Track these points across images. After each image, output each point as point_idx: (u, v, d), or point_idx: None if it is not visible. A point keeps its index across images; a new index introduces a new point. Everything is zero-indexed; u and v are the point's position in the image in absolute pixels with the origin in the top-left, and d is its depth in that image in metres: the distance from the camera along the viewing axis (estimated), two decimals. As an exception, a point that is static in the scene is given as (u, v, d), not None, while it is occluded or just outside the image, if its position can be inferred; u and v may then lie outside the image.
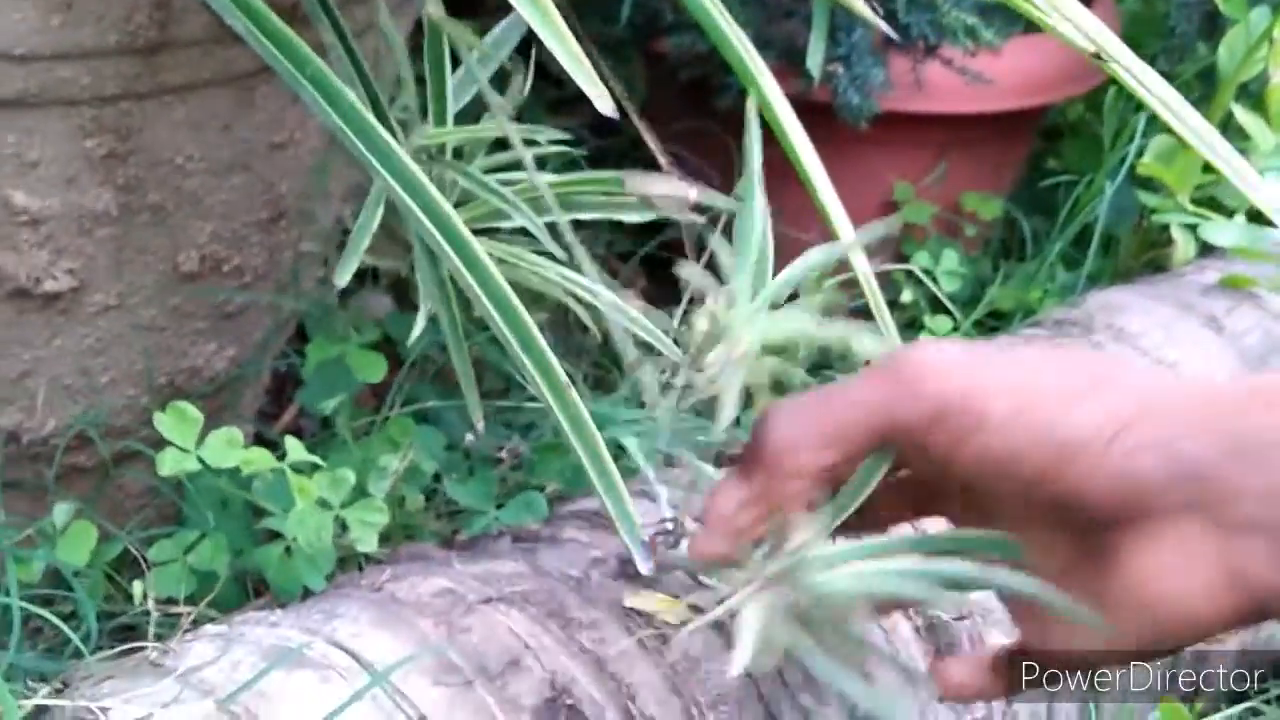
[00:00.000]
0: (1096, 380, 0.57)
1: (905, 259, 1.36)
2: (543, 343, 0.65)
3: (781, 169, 0.91)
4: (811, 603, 0.59)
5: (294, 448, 0.85)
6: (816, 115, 1.25)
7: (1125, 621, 0.58)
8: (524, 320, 0.65)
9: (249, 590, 0.87)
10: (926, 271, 1.35)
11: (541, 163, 0.92)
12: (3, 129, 0.77)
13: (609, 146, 1.27)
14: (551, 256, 0.90)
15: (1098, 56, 0.55)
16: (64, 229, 0.81)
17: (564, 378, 0.63)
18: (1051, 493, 0.57)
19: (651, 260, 1.30)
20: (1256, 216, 1.14)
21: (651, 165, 1.03)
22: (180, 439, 0.84)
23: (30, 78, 0.76)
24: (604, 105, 0.53)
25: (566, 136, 0.91)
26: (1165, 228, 1.22)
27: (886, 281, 1.34)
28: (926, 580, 0.60)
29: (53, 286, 0.82)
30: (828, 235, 0.95)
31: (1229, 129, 1.21)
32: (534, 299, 0.89)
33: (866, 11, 0.60)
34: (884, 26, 0.61)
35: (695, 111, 1.30)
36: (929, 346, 0.59)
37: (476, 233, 0.89)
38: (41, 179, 0.80)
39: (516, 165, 0.92)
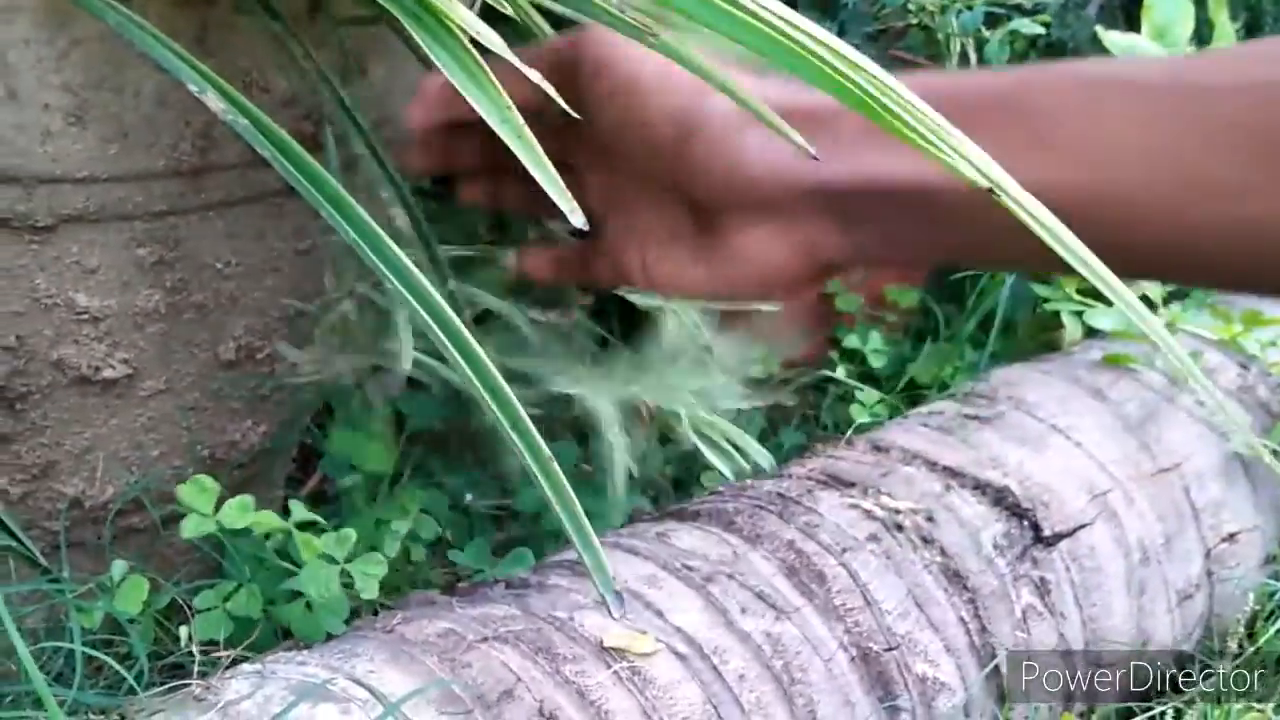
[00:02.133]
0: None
1: (837, 342, 1.36)
2: (530, 425, 0.64)
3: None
4: None
5: (298, 511, 0.85)
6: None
7: (724, 273, 0.65)
8: (512, 403, 0.64)
9: (280, 633, 0.86)
10: (856, 351, 1.35)
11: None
12: (67, 240, 0.77)
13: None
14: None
15: (991, 191, 0.55)
16: (119, 325, 0.81)
17: (547, 452, 0.63)
18: (670, 168, 0.62)
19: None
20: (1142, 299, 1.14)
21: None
22: (200, 507, 0.83)
23: (90, 197, 0.76)
24: (577, 219, 0.53)
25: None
26: (1056, 314, 1.23)
27: (823, 360, 1.34)
28: None
29: (110, 374, 0.82)
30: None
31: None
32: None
33: (794, 135, 0.60)
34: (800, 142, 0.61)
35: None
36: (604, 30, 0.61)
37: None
38: (100, 283, 0.79)
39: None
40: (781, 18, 0.61)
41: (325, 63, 0.80)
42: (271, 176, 0.74)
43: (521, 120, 0.55)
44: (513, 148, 0.55)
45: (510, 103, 0.56)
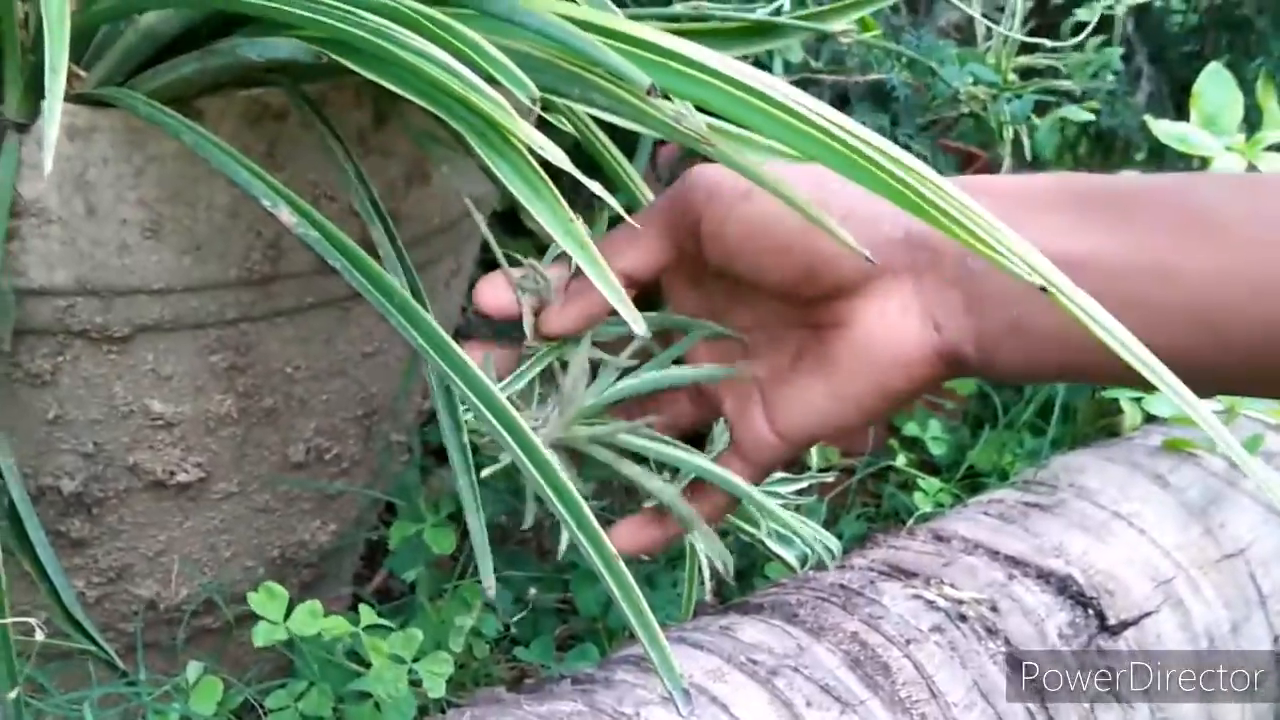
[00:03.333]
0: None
1: (897, 430, 1.37)
2: (594, 523, 0.66)
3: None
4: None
5: (367, 615, 0.86)
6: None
7: (851, 383, 0.63)
8: (579, 502, 0.66)
9: (350, 732, 0.87)
10: (916, 439, 1.35)
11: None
12: (144, 349, 0.80)
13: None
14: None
15: (1044, 289, 0.56)
16: (193, 430, 0.83)
17: (613, 549, 0.64)
18: (802, 253, 0.61)
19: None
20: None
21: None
22: (270, 613, 0.85)
23: (166, 307, 0.79)
24: (639, 329, 0.55)
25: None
26: (1115, 399, 1.23)
27: (883, 449, 1.35)
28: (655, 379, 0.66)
29: (184, 478, 0.84)
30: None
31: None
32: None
33: (848, 238, 0.62)
34: (853, 244, 0.63)
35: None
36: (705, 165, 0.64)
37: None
38: (174, 389, 0.81)
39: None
40: (831, 121, 0.63)
41: (391, 171, 0.83)
42: (339, 283, 0.76)
43: (585, 232, 0.57)
44: (576, 258, 0.57)
45: (572, 215, 0.58)
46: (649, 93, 0.57)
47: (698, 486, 0.70)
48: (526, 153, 0.59)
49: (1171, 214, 0.61)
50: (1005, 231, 0.63)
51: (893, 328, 0.62)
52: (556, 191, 0.59)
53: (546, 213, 0.58)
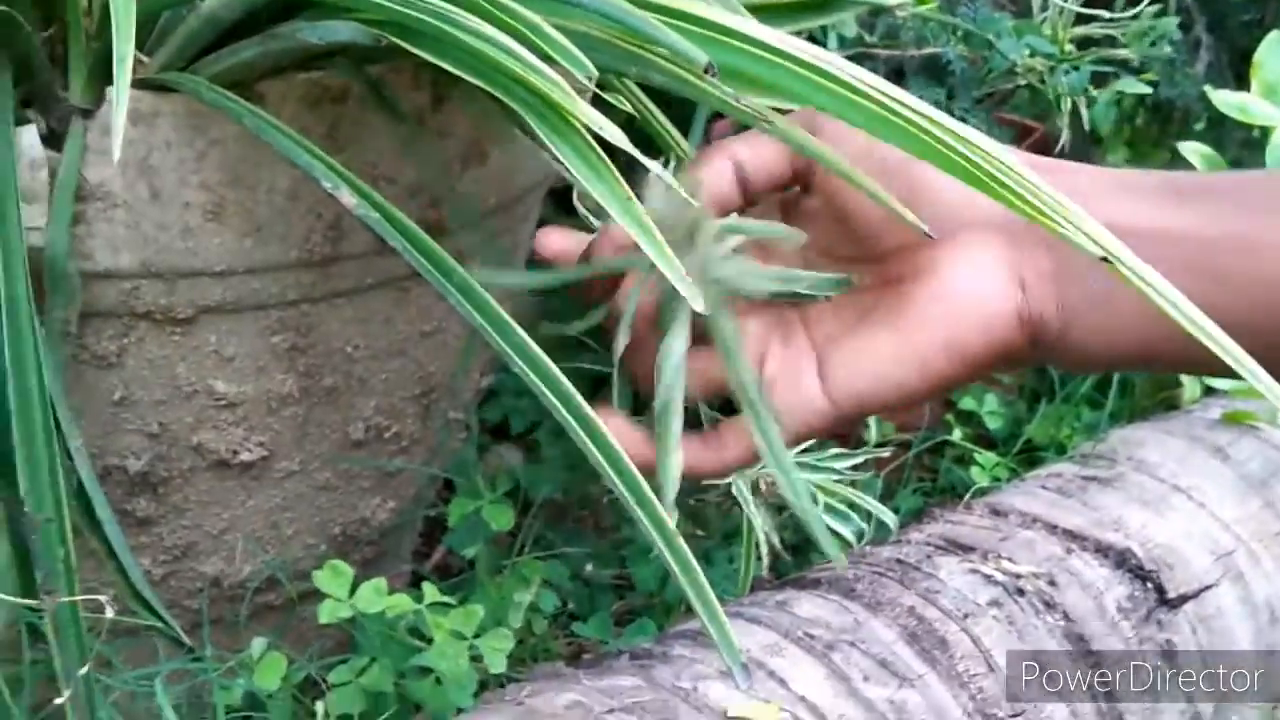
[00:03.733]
0: None
1: (953, 404, 1.37)
2: (652, 497, 0.66)
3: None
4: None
5: (430, 592, 0.87)
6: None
7: (921, 333, 0.59)
8: (637, 479, 0.66)
9: (412, 708, 0.88)
10: (972, 413, 1.35)
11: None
12: (207, 330, 0.81)
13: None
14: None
15: (1105, 259, 0.56)
16: (255, 410, 0.84)
17: (673, 526, 0.65)
18: (905, 179, 0.59)
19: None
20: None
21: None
22: (336, 590, 0.86)
23: (228, 289, 0.80)
24: (698, 305, 0.56)
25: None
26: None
27: (938, 425, 1.35)
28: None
29: (247, 457, 0.85)
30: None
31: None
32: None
33: (907, 213, 0.62)
34: (915, 221, 0.63)
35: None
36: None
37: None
38: (237, 370, 0.83)
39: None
40: (888, 95, 0.63)
41: (449, 151, 0.84)
42: (398, 263, 0.77)
43: (642, 209, 0.57)
44: (635, 237, 0.57)
45: (630, 193, 0.58)
46: (707, 71, 0.57)
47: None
48: (585, 132, 0.59)
49: (1260, 196, 0.61)
50: (1067, 203, 0.63)
51: (980, 279, 0.60)
52: (615, 170, 0.59)
53: (606, 192, 0.58)
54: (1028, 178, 0.64)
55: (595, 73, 0.56)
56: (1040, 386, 1.41)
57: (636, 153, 0.57)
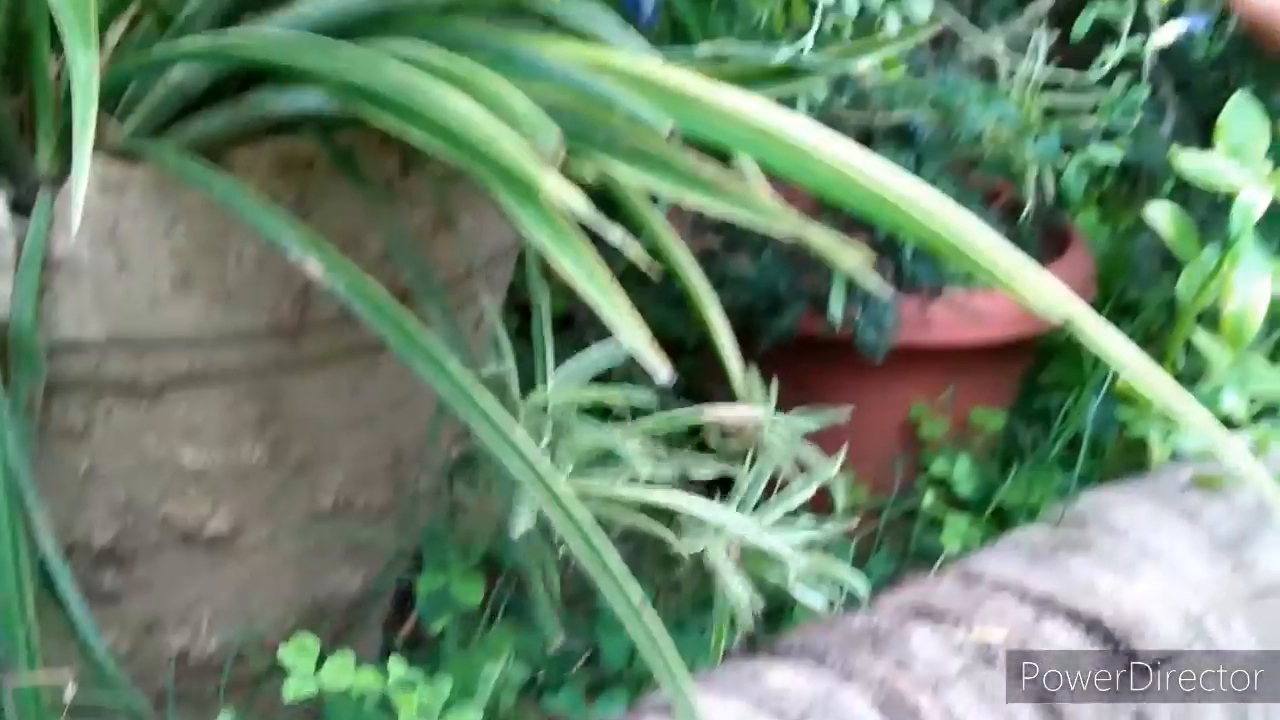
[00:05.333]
0: None
1: (925, 468, 1.36)
2: (618, 567, 0.66)
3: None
4: None
5: (396, 669, 0.86)
6: (841, 351, 1.27)
7: None
8: (602, 548, 0.66)
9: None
10: (944, 478, 1.35)
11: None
12: (176, 400, 0.80)
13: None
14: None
15: (1065, 323, 0.56)
16: (224, 480, 0.84)
17: (639, 596, 0.64)
18: None
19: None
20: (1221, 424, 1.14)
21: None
22: (302, 666, 0.85)
23: (196, 359, 0.79)
24: (663, 374, 0.55)
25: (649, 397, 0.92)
26: (1144, 435, 1.22)
27: (910, 490, 1.34)
28: None
29: (215, 530, 0.84)
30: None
31: (1191, 351, 1.21)
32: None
33: (872, 281, 0.62)
34: (884, 290, 0.63)
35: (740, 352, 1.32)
36: None
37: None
38: (206, 439, 0.82)
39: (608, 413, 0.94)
40: (851, 164, 0.63)
41: (418, 217, 0.84)
42: (367, 331, 0.77)
43: (608, 278, 0.57)
44: (600, 310, 0.57)
45: (598, 261, 0.58)
46: (669, 137, 0.58)
47: None
48: (551, 201, 0.59)
49: None
50: (1027, 266, 0.63)
51: None
52: (582, 239, 0.59)
53: (572, 263, 0.58)
54: (986, 244, 0.64)
55: (562, 140, 0.56)
56: (1012, 450, 1.41)
57: (604, 223, 0.57)
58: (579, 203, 0.56)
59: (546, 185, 0.57)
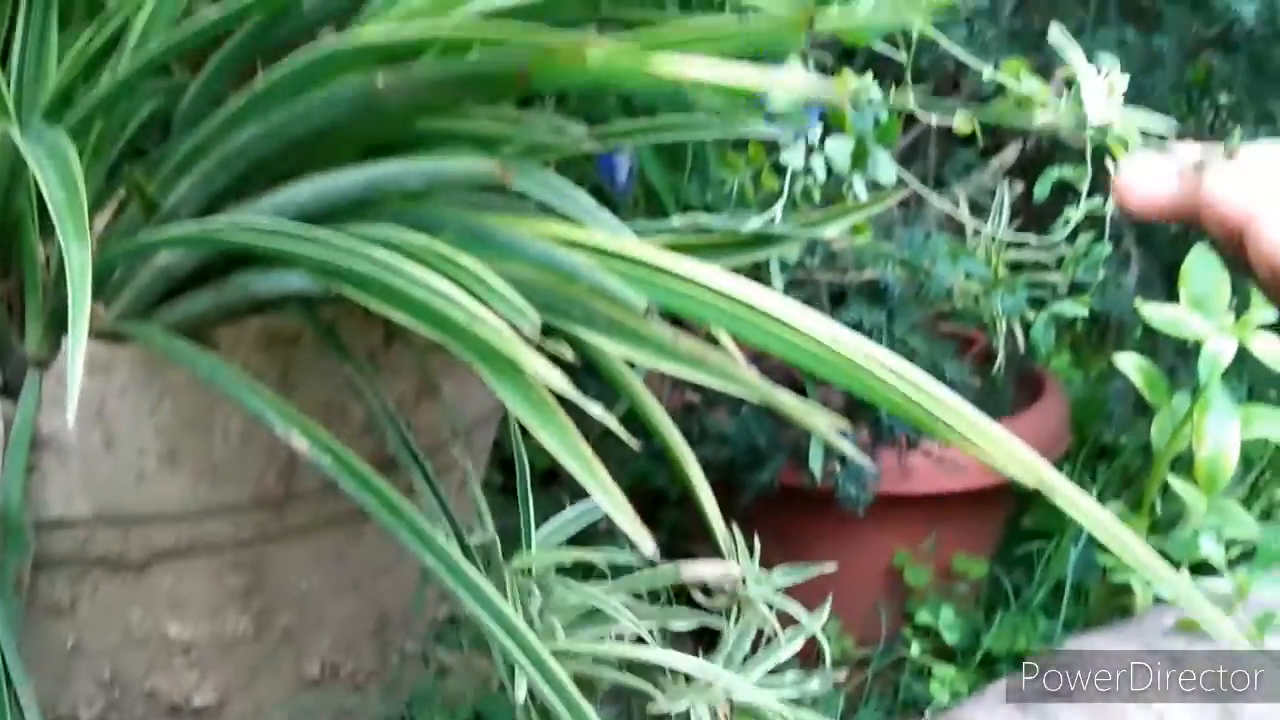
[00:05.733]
0: None
1: (910, 616, 1.36)
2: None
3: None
4: None
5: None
6: (823, 502, 1.28)
7: None
8: (579, 705, 0.66)
9: None
10: (930, 627, 1.35)
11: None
12: (161, 574, 0.80)
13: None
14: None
15: (1037, 489, 0.57)
16: (210, 652, 0.83)
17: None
18: None
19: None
20: (1199, 568, 1.15)
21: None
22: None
23: (182, 533, 0.80)
24: (647, 547, 0.56)
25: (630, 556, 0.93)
26: (1127, 581, 1.23)
27: (896, 639, 1.34)
28: None
29: (200, 702, 0.84)
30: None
31: (1168, 494, 1.22)
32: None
33: (845, 446, 0.63)
34: (859, 456, 0.64)
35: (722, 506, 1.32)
36: None
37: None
38: (192, 612, 0.82)
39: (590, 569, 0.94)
40: (822, 333, 0.64)
41: (401, 386, 0.85)
42: (350, 501, 0.78)
43: (589, 453, 0.58)
44: (582, 481, 0.58)
45: (579, 437, 0.59)
46: (646, 313, 0.59)
47: None
48: (530, 376, 0.60)
49: None
50: (996, 430, 0.64)
51: None
52: (562, 414, 0.60)
53: (556, 441, 0.59)
54: (958, 409, 0.65)
55: (539, 322, 0.58)
56: (996, 596, 1.41)
57: (582, 400, 0.58)
58: (559, 381, 0.57)
59: (528, 366, 0.58)
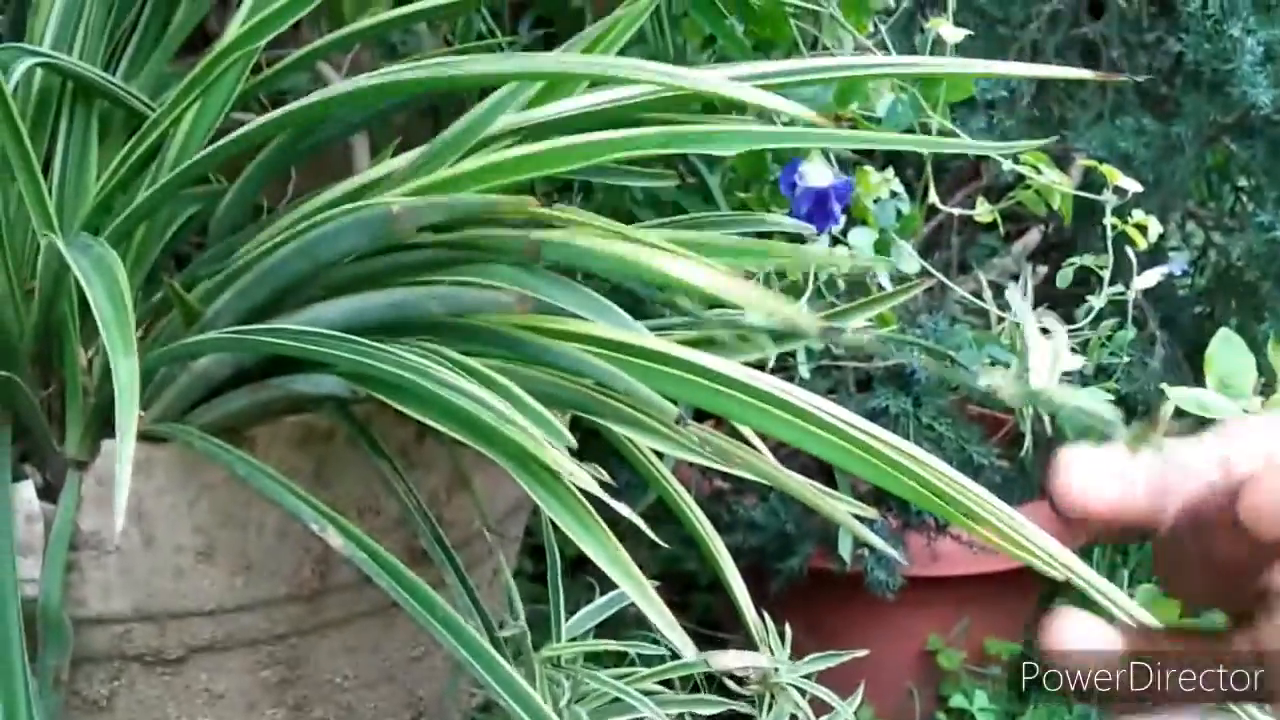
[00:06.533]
0: None
1: (944, 699, 1.36)
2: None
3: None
4: None
5: None
6: (852, 587, 1.28)
7: None
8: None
9: None
10: (964, 710, 1.34)
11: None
12: (196, 669, 0.81)
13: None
14: None
15: (1067, 581, 0.58)
16: (246, 748, 0.84)
17: None
18: None
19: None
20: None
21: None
22: None
23: (218, 627, 0.80)
24: (687, 652, 0.57)
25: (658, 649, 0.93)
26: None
27: (929, 721, 1.34)
28: None
29: (236, 796, 0.84)
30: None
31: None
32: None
33: (870, 536, 0.64)
34: (884, 546, 0.65)
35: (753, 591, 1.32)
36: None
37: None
38: (226, 706, 0.82)
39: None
40: (849, 424, 0.65)
41: (433, 481, 0.86)
42: (384, 593, 0.78)
43: (621, 551, 0.59)
44: (620, 583, 0.59)
45: (609, 534, 0.60)
46: (678, 422, 0.60)
47: None
48: (563, 477, 0.61)
49: None
50: (1025, 524, 0.65)
51: None
52: (592, 513, 0.61)
53: (586, 537, 0.60)
54: (984, 499, 0.66)
55: (572, 441, 0.58)
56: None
57: (612, 501, 0.58)
58: (590, 482, 0.58)
59: (559, 469, 0.59)
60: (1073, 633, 0.39)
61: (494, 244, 0.64)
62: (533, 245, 0.61)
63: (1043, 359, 0.66)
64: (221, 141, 0.73)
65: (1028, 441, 1.12)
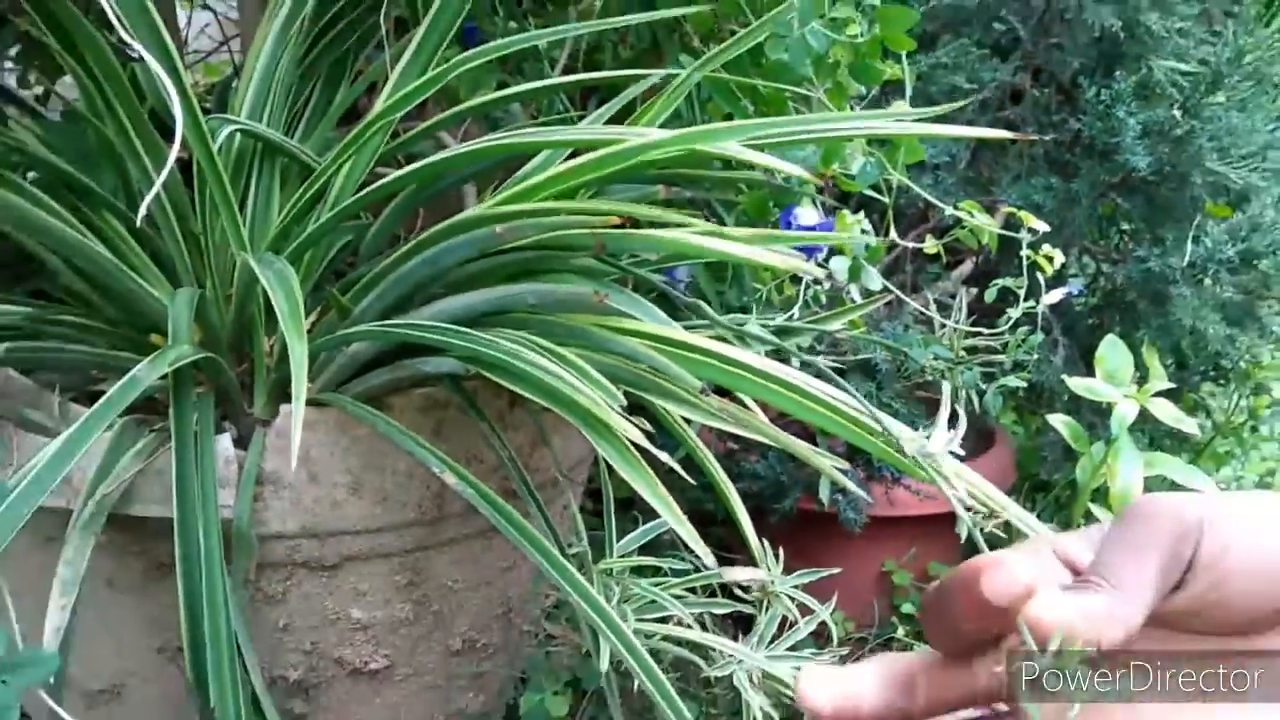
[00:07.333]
0: None
1: (897, 608, 1.35)
2: (670, 690, 0.66)
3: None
4: None
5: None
6: (827, 524, 1.28)
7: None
8: (659, 678, 0.67)
9: None
10: (910, 615, 1.33)
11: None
12: (347, 574, 0.82)
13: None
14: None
15: (991, 513, 0.57)
16: (382, 631, 0.84)
17: (687, 714, 0.64)
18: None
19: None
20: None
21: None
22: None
23: (363, 543, 0.81)
24: (708, 561, 0.57)
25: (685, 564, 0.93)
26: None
27: (886, 624, 1.33)
28: None
29: (375, 666, 0.85)
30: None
31: (1090, 519, 1.21)
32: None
33: (846, 482, 0.63)
34: (856, 489, 0.64)
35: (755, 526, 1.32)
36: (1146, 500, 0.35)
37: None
38: (369, 601, 0.83)
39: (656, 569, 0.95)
40: (833, 398, 0.65)
41: (521, 439, 0.86)
42: (485, 520, 0.79)
43: (663, 489, 0.59)
44: (656, 508, 0.59)
45: (655, 477, 0.60)
46: (702, 392, 0.60)
47: None
48: (618, 434, 0.61)
49: None
50: (996, 495, 0.64)
51: None
52: (642, 460, 0.61)
53: (640, 481, 0.60)
54: (956, 470, 0.65)
55: (623, 400, 0.58)
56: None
57: (654, 449, 0.59)
58: (639, 437, 0.58)
59: (617, 427, 0.59)
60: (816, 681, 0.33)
61: (568, 242, 0.64)
62: (599, 239, 0.61)
63: (940, 441, 0.65)
64: (369, 189, 0.74)
65: (962, 417, 1.11)
